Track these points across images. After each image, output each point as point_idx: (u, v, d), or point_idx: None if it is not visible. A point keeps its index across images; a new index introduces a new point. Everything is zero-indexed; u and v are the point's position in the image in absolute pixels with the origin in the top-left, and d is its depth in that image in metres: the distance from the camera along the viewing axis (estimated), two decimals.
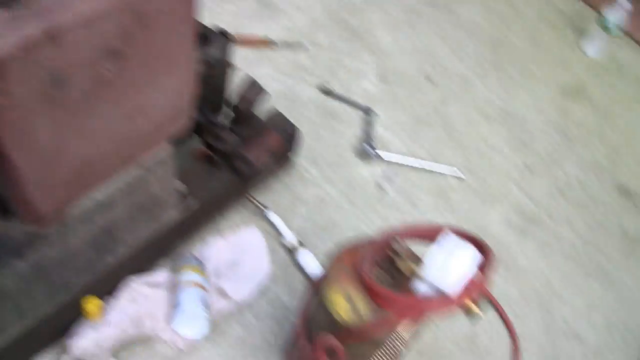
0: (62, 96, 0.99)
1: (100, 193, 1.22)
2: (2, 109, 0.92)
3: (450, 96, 2.19)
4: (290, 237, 1.65)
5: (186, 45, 1.18)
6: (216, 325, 1.50)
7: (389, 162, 1.93)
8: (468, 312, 1.04)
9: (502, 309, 1.70)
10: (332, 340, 1.03)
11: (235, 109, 1.52)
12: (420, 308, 0.99)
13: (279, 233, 1.68)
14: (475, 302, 1.04)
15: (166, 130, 1.27)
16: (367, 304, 1.03)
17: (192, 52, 1.21)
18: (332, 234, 1.71)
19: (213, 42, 1.47)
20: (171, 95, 1.21)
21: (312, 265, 1.61)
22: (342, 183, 1.85)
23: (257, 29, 2.11)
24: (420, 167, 1.93)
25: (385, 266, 1.05)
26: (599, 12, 2.54)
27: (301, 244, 1.65)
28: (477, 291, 1.01)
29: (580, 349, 1.72)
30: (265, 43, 2.05)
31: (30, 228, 1.15)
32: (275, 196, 1.76)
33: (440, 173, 1.93)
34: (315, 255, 1.64)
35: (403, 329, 1.04)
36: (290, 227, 1.68)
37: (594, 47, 2.49)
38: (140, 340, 1.44)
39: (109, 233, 1.31)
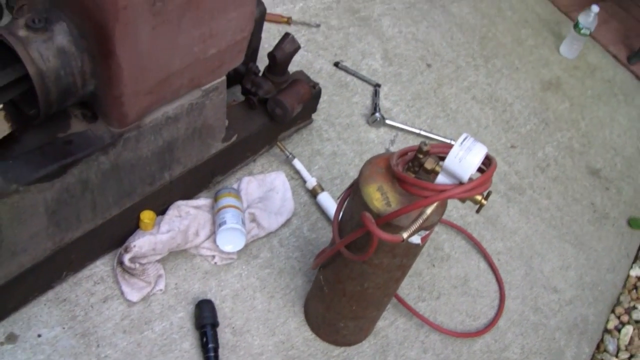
0: (161, 9, 1.19)
1: (170, 108, 1.41)
2: (120, 8, 1.12)
3: (445, 80, 2.42)
4: (312, 182, 1.86)
5: None
6: (247, 248, 1.69)
7: (392, 127, 2.15)
8: (475, 201, 1.21)
9: (491, 258, 1.94)
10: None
11: (272, 57, 1.71)
12: (442, 192, 1.14)
13: (302, 179, 1.88)
14: (481, 195, 1.22)
15: (227, 62, 1.48)
16: (397, 195, 1.20)
17: None
18: (345, 184, 1.92)
19: None
20: (235, 28, 1.41)
21: (331, 205, 1.82)
22: (354, 142, 2.06)
23: (277, 10, 2.33)
24: (419, 133, 2.15)
25: (413, 167, 1.22)
26: (572, 19, 2.82)
27: (321, 187, 1.85)
28: (485, 185, 1.16)
29: (556, 299, 1.94)
30: (284, 19, 2.27)
31: (114, 129, 1.33)
32: (298, 148, 1.96)
33: (437, 140, 2.15)
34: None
35: (425, 221, 1.21)
36: (310, 174, 1.89)
37: (569, 49, 2.76)
38: (183, 253, 1.63)
39: (170, 150, 1.49)
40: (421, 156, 1.21)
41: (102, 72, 1.23)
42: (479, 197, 1.20)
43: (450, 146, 1.16)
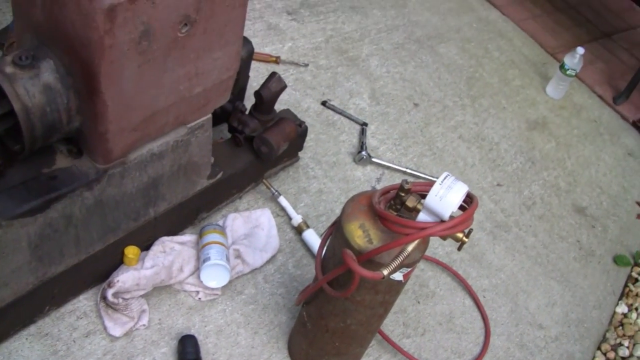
0: (147, 48, 1.21)
1: (155, 145, 1.43)
2: (106, 47, 1.14)
3: (432, 119, 2.45)
4: (297, 219, 1.87)
5: (238, 27, 1.42)
6: (232, 284, 1.69)
7: (379, 165, 2.17)
8: (457, 239, 1.23)
9: (476, 295, 1.94)
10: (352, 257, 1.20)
11: (259, 96, 1.74)
12: (423, 230, 1.16)
13: (288, 216, 1.89)
14: (462, 233, 1.23)
15: (213, 100, 1.50)
16: (379, 232, 1.22)
17: (241, 34, 1.46)
18: (330, 221, 1.92)
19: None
20: (221, 67, 1.44)
21: (316, 242, 1.83)
22: (340, 180, 2.08)
23: (265, 49, 2.37)
24: (405, 171, 2.17)
25: (395, 204, 1.24)
26: (558, 60, 2.87)
27: (307, 225, 1.87)
28: (466, 223, 1.18)
29: (542, 336, 1.94)
30: (273, 58, 2.31)
31: (99, 165, 1.34)
32: (285, 186, 1.98)
33: (423, 179, 2.17)
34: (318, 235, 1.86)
35: (407, 258, 1.22)
36: (295, 211, 1.90)
37: (555, 89, 2.81)
38: (167, 288, 1.63)
39: (155, 186, 1.51)
40: (403, 194, 1.23)
41: (88, 109, 1.25)
42: (460, 235, 1.21)
43: (431, 184, 1.18)
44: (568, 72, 2.71)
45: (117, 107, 1.25)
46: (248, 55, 1.75)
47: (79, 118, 1.27)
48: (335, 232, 1.30)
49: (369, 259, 1.20)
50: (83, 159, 1.36)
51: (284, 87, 1.76)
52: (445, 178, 1.18)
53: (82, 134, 1.31)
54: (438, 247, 2.02)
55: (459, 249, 1.25)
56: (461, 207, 1.21)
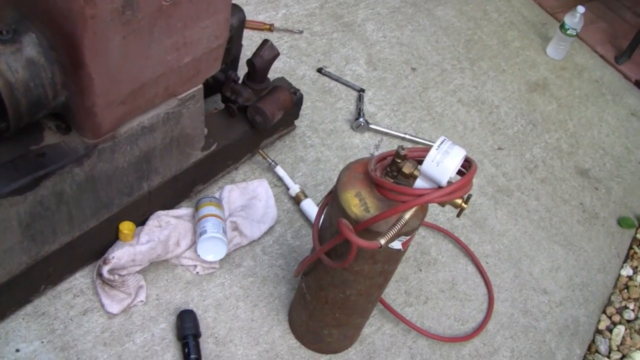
0: (131, 18, 1.17)
1: (145, 118, 1.39)
2: (88, 17, 1.10)
3: (430, 83, 2.41)
4: (295, 188, 1.84)
5: None
6: (230, 257, 1.67)
7: (377, 132, 2.14)
8: (455, 205, 1.20)
9: (479, 261, 1.92)
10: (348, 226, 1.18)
11: (251, 65, 1.70)
12: (420, 197, 1.12)
13: (285, 186, 1.86)
14: (461, 199, 1.20)
15: (203, 70, 1.46)
16: (375, 201, 1.19)
17: (229, 0, 1.41)
18: (329, 190, 1.90)
19: (232, 11, 1.67)
20: (209, 36, 1.40)
21: (314, 212, 1.80)
22: (338, 148, 2.05)
23: (259, 17, 2.32)
24: (404, 137, 2.14)
25: (391, 171, 1.21)
26: (558, 20, 2.82)
27: (305, 194, 1.84)
28: (465, 189, 1.14)
29: (546, 301, 1.92)
30: (266, 26, 2.26)
31: (88, 141, 1.31)
32: (281, 155, 1.95)
33: (422, 144, 2.14)
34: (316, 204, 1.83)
35: (404, 226, 1.19)
36: (293, 181, 1.87)
37: (555, 50, 2.76)
38: (164, 263, 1.61)
39: (147, 160, 1.48)
40: (399, 161, 1.19)
41: (73, 83, 1.22)
42: (459, 201, 1.18)
43: (428, 150, 1.15)
44: (568, 32, 2.65)
45: (104, 80, 1.21)
46: (240, 24, 1.71)
47: (65, 93, 1.24)
48: (332, 202, 1.27)
49: (366, 228, 1.17)
50: (72, 135, 1.32)
51: (277, 54, 1.72)
52: (442, 143, 1.15)
53: (70, 109, 1.28)
54: (439, 214, 1.99)
55: (458, 215, 1.22)
56: (460, 172, 1.18)
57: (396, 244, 1.24)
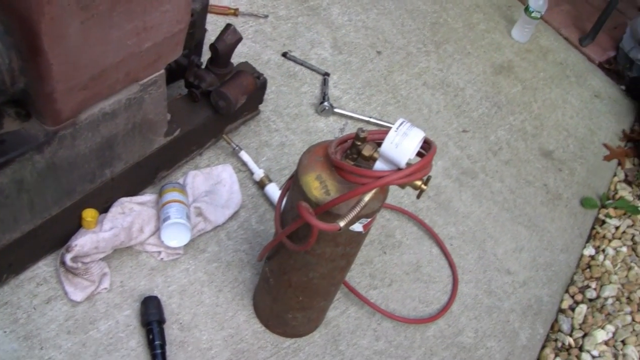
0: (90, 3, 1.16)
1: (107, 104, 1.38)
2: (45, 2, 1.09)
3: (395, 67, 2.42)
4: (259, 173, 1.84)
5: None
6: (194, 243, 1.67)
7: (342, 116, 2.15)
8: (415, 187, 1.20)
9: (443, 243, 1.94)
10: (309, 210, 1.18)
11: (214, 49, 1.69)
12: (379, 179, 1.13)
13: (249, 170, 1.86)
14: (421, 180, 1.21)
15: (165, 55, 1.45)
16: (336, 183, 1.19)
17: None
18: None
19: None
20: (170, 20, 1.38)
21: (278, 196, 1.80)
22: (302, 132, 2.05)
23: (224, 1, 2.31)
24: (369, 120, 2.15)
25: (352, 154, 1.21)
26: (523, 3, 2.83)
27: (269, 179, 1.84)
28: (424, 170, 1.16)
29: (510, 281, 1.95)
30: (231, 11, 2.25)
31: (49, 127, 1.30)
32: (246, 140, 1.94)
33: (387, 127, 2.14)
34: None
35: (364, 208, 1.20)
36: (257, 166, 1.87)
37: (520, 32, 2.78)
38: (128, 250, 1.61)
39: (110, 146, 1.47)
40: (359, 143, 1.20)
41: (32, 69, 1.20)
42: (418, 182, 1.19)
43: (387, 132, 1.16)
44: (533, 15, 2.67)
45: (63, 66, 1.20)
46: (203, 8, 1.70)
47: (24, 79, 1.22)
48: (293, 185, 1.28)
49: (327, 211, 1.18)
50: (32, 122, 1.31)
51: (240, 38, 1.72)
52: (400, 125, 1.16)
53: (29, 95, 1.26)
54: (404, 196, 2.01)
55: (418, 196, 1.23)
56: (420, 154, 1.19)
57: (357, 227, 1.25)
